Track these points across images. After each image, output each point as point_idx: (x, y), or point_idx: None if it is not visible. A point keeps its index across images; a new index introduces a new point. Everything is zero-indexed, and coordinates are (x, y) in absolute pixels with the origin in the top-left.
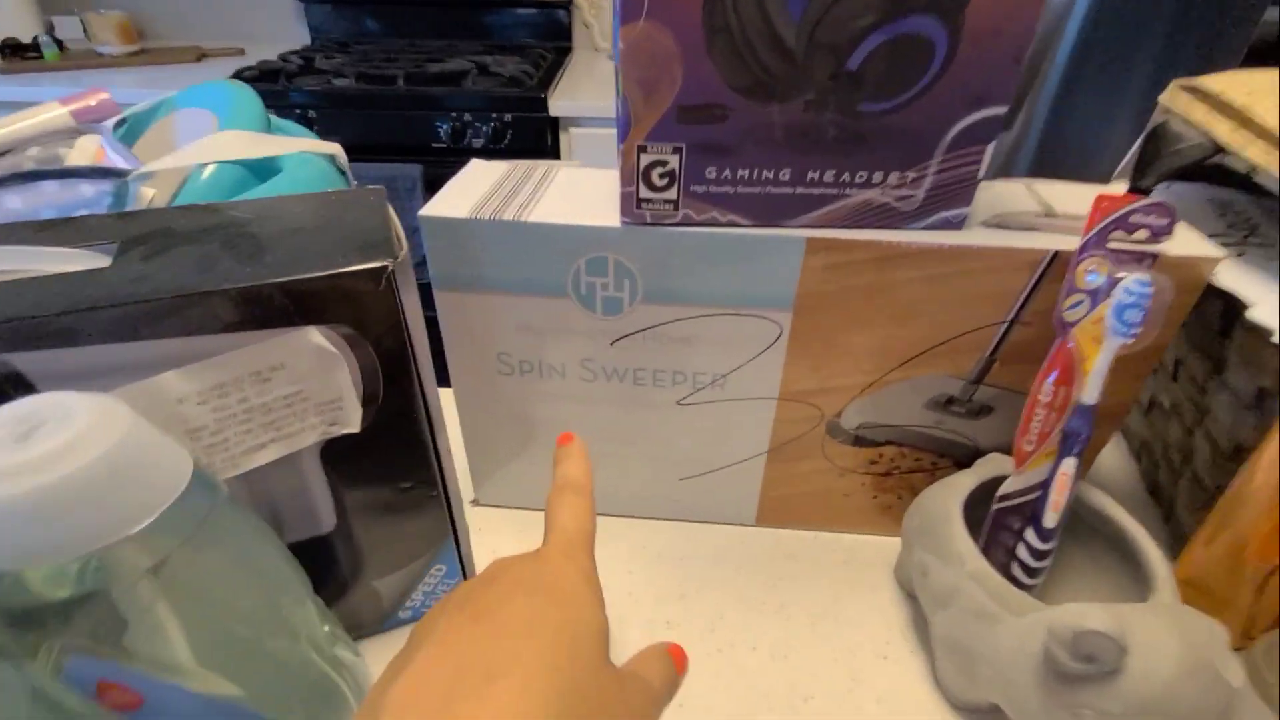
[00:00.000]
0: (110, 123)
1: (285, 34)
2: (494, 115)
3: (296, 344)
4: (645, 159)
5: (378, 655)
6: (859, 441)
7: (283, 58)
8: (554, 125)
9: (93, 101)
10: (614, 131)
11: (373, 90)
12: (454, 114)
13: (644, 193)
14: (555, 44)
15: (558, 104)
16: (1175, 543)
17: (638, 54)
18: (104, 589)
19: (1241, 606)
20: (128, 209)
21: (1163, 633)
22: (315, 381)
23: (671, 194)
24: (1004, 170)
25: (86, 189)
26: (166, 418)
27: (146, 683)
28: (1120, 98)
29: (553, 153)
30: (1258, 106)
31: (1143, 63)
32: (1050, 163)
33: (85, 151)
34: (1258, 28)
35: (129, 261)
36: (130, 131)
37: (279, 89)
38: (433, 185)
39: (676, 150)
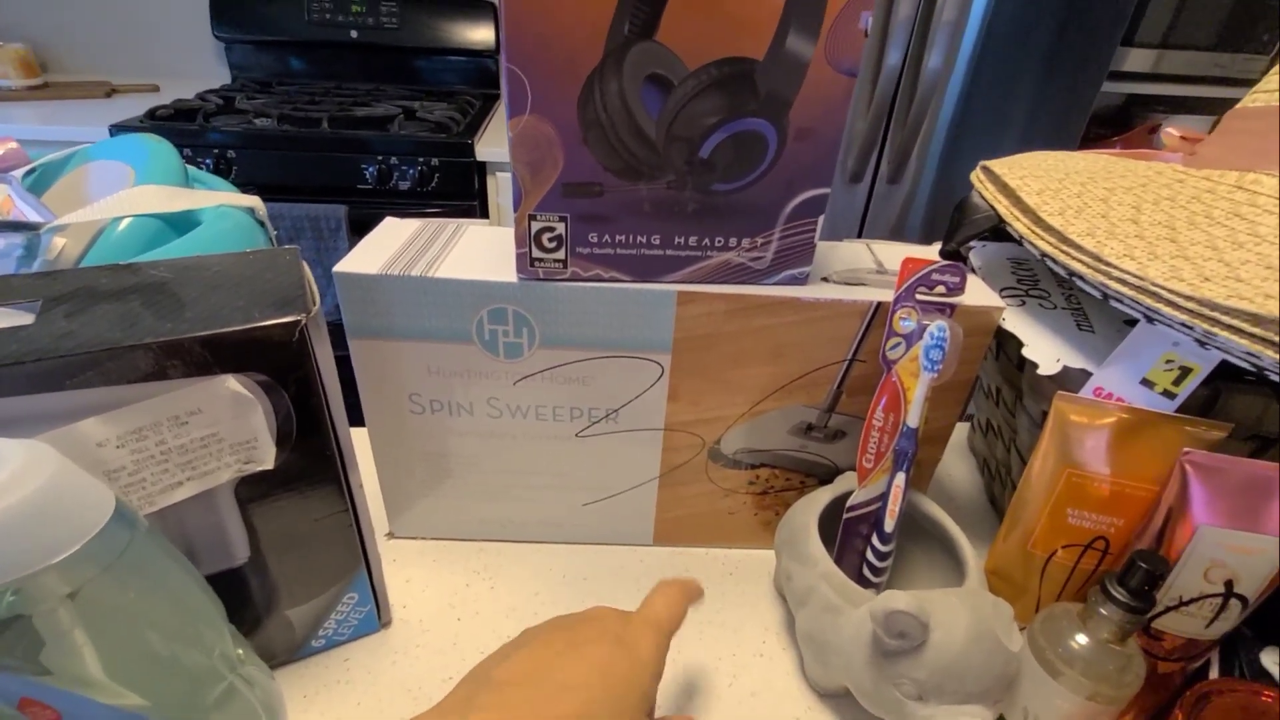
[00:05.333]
0: (19, 172)
1: (204, 72)
2: (420, 159)
3: (214, 390)
4: (536, 225)
5: (291, 684)
6: (737, 465)
7: (201, 96)
8: (480, 169)
9: (0, 150)
10: None
11: (296, 132)
12: (380, 157)
13: (536, 253)
14: (483, 91)
15: (484, 150)
16: None
17: (524, 141)
18: (25, 613)
19: (1032, 590)
20: (38, 260)
21: (956, 610)
22: (231, 424)
23: (560, 255)
24: (900, 221)
25: None
26: (86, 461)
27: (64, 699)
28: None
29: (479, 196)
30: (1025, 189)
31: (1013, 129)
32: (941, 213)
33: None
34: (1099, 96)
35: (53, 319)
36: (39, 181)
37: (196, 128)
38: (358, 225)
39: (563, 219)
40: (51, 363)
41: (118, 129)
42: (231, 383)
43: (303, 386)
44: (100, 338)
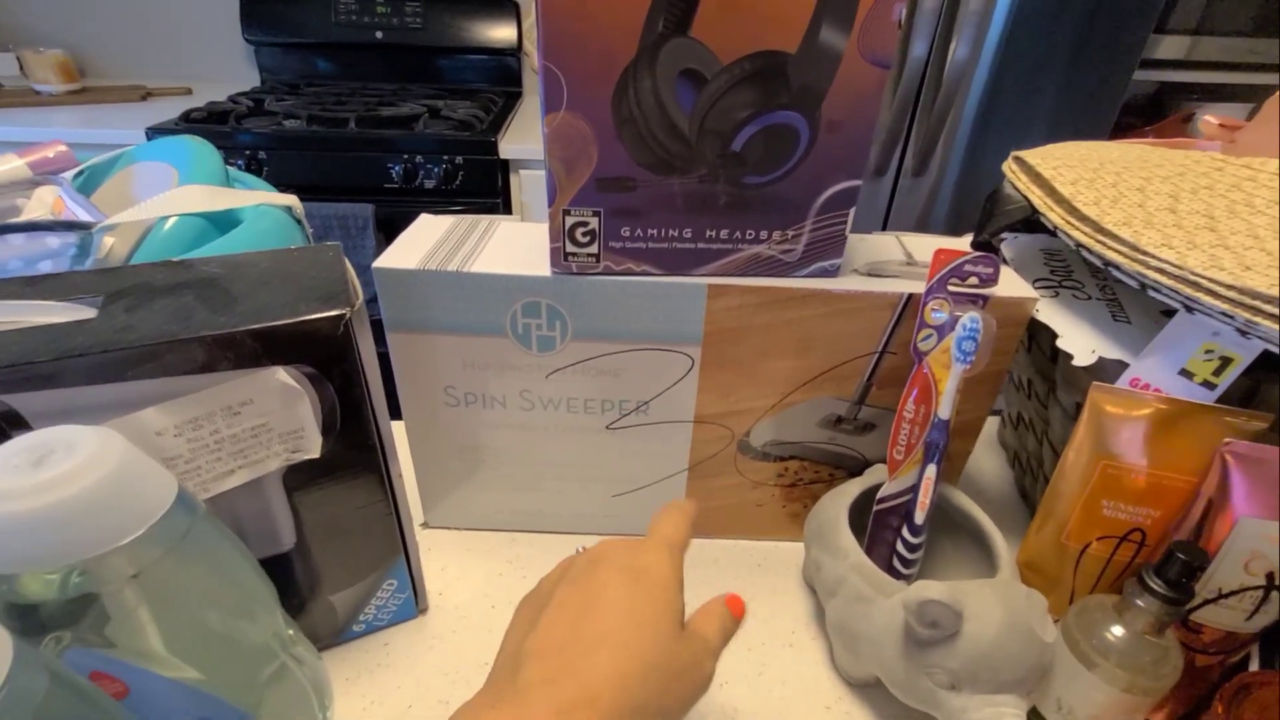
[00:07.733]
0: (69, 174)
1: (234, 75)
2: (445, 157)
3: (264, 382)
4: (570, 220)
5: (334, 666)
6: (766, 457)
7: (232, 99)
8: (504, 167)
9: (50, 153)
10: None
11: (324, 132)
12: (406, 156)
13: (569, 248)
14: (506, 89)
15: (508, 147)
16: None
17: (559, 137)
18: (95, 591)
19: (1066, 582)
20: (90, 258)
21: (990, 601)
22: (280, 414)
23: (593, 249)
24: (924, 214)
25: (52, 240)
26: (146, 449)
27: (131, 673)
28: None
29: (503, 193)
30: (1059, 179)
31: (1040, 121)
32: (967, 206)
33: (42, 202)
34: (1131, 85)
35: (114, 313)
36: (88, 182)
37: (228, 130)
38: (384, 224)
39: (596, 213)
40: (114, 354)
41: (154, 131)
42: (281, 374)
43: (346, 378)
44: (159, 331)
